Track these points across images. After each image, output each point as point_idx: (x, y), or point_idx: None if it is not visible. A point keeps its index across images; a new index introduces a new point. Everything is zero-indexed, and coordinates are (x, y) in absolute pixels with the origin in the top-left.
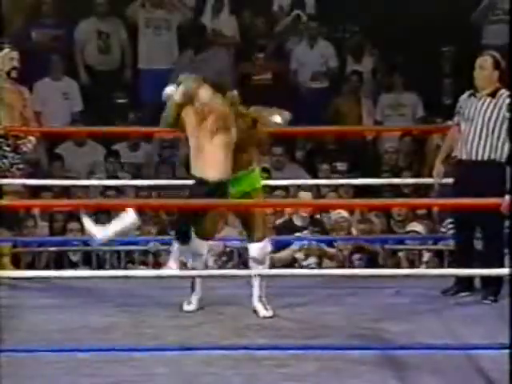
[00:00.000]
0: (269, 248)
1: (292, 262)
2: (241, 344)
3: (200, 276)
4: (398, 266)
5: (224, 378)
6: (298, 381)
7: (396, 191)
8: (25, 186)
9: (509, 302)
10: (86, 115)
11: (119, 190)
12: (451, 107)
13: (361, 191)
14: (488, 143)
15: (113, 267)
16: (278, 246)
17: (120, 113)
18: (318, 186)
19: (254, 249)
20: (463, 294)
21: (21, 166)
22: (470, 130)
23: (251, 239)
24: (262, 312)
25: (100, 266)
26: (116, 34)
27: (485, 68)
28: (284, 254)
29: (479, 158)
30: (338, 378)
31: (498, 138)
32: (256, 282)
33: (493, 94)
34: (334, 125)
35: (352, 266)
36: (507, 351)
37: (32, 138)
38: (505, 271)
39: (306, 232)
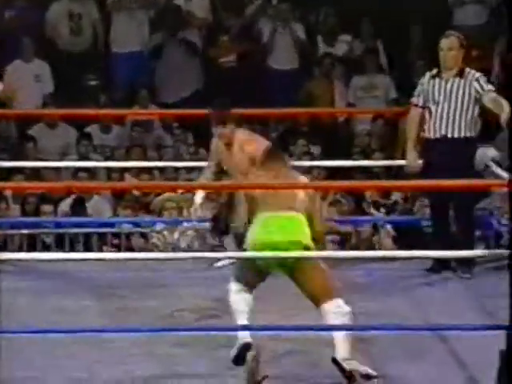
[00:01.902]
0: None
1: None
2: (215, 325)
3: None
4: (370, 248)
5: (197, 359)
6: (270, 362)
7: (367, 173)
8: None
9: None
10: (58, 97)
11: (91, 172)
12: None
13: (333, 173)
14: (463, 122)
15: (86, 250)
16: None
17: (92, 95)
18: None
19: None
20: (445, 272)
21: None
22: (443, 111)
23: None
24: None
25: (73, 249)
26: (88, 15)
27: (452, 49)
28: None
29: (455, 135)
30: (311, 359)
31: (472, 116)
32: None
33: (460, 74)
34: (307, 107)
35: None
36: (479, 332)
37: None
38: (477, 253)
39: None
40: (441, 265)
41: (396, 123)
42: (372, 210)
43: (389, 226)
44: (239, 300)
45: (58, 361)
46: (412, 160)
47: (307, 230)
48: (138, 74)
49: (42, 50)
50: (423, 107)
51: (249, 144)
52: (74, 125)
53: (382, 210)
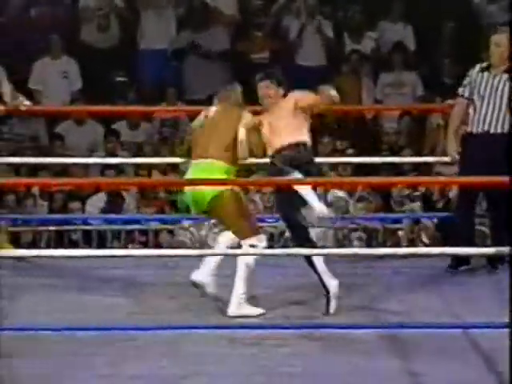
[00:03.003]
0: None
1: None
2: (241, 323)
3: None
4: (397, 244)
5: (223, 357)
6: (299, 360)
7: (395, 170)
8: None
9: (509, 282)
10: (86, 94)
11: (119, 169)
12: (451, 86)
13: (360, 170)
14: (506, 118)
15: (113, 246)
16: None
17: (120, 91)
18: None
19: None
20: (462, 268)
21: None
22: (488, 106)
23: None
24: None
25: (101, 245)
26: (115, 12)
27: (500, 45)
28: None
29: (498, 131)
30: (337, 357)
31: None
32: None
33: (508, 71)
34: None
35: (351, 245)
36: (505, 330)
37: (22, 98)
38: (505, 250)
39: None
40: (460, 261)
41: (423, 120)
42: (408, 204)
43: (427, 220)
44: None
45: (83, 358)
46: (452, 150)
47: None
48: (165, 71)
49: (70, 47)
50: (468, 99)
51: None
52: (102, 121)
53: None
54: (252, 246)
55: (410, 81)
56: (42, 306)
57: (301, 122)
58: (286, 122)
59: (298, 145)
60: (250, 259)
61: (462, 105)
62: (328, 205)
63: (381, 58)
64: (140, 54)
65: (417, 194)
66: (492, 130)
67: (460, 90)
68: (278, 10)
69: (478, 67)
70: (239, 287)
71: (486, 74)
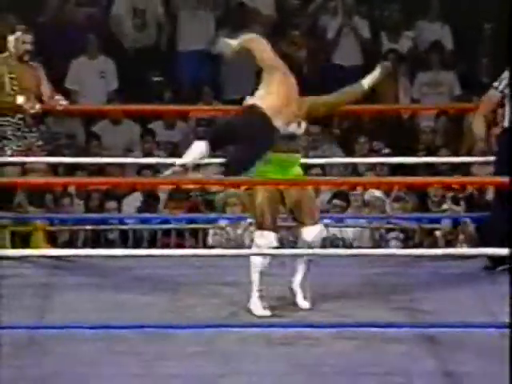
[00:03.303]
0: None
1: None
2: (277, 322)
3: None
4: (434, 245)
5: (259, 356)
6: (334, 359)
7: (432, 170)
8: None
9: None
10: (122, 94)
11: (155, 169)
12: (488, 86)
13: (397, 170)
14: None
15: (150, 246)
16: None
17: (156, 91)
18: (355, 165)
19: (309, 233)
20: (499, 268)
21: (40, 143)
22: None
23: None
24: (300, 301)
25: (137, 245)
26: (152, 11)
27: None
28: None
29: None
30: (375, 357)
31: None
32: (301, 266)
33: None
34: (371, 104)
35: (387, 245)
36: None
37: (60, 97)
38: None
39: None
40: (497, 261)
41: (460, 120)
42: (450, 205)
43: (468, 220)
44: None
45: (117, 357)
46: (479, 128)
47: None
48: (202, 71)
49: (107, 47)
50: (502, 92)
51: None
52: (138, 121)
53: (462, 203)
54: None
55: (447, 80)
56: (77, 305)
57: None
58: None
59: None
60: (255, 258)
61: (495, 97)
62: (365, 204)
63: (418, 57)
64: (177, 55)
65: (461, 195)
66: None
67: (496, 82)
68: (315, 10)
69: None
70: (252, 285)
71: None
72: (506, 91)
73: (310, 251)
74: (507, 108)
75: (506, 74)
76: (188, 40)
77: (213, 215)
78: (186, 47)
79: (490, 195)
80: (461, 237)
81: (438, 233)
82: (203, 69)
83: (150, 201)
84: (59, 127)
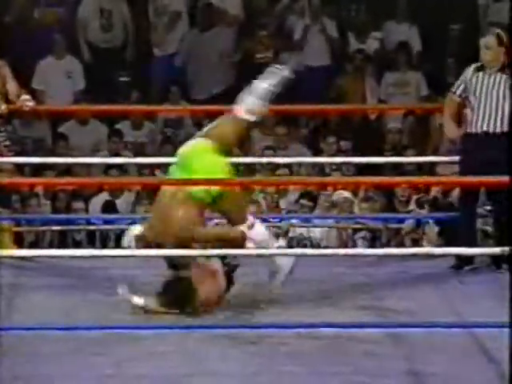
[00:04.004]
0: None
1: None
2: (243, 322)
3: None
4: (401, 244)
5: (228, 356)
6: (299, 359)
7: (399, 170)
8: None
9: (509, 280)
10: (89, 94)
11: (122, 169)
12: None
13: (364, 170)
14: (505, 117)
15: (117, 246)
16: None
17: (123, 91)
18: (322, 165)
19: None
20: (466, 268)
21: (7, 143)
22: (486, 105)
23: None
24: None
25: (104, 245)
26: (118, 12)
27: (490, 47)
28: None
29: (497, 130)
30: (341, 356)
31: None
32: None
33: (502, 69)
34: (338, 104)
35: (355, 245)
36: (508, 329)
37: (26, 97)
38: (506, 249)
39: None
40: (463, 261)
41: (427, 120)
42: (415, 208)
43: (432, 221)
44: None
45: (87, 357)
46: (453, 132)
47: None
48: (169, 71)
49: (74, 47)
50: (460, 96)
51: None
52: (105, 121)
53: (426, 206)
54: None
55: (414, 80)
56: (45, 306)
57: None
58: None
59: None
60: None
61: (454, 99)
62: (333, 205)
63: (385, 57)
64: (144, 54)
65: (426, 198)
66: (491, 130)
67: (453, 87)
68: (283, 10)
69: (472, 67)
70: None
71: (481, 73)
72: (464, 96)
73: (281, 251)
74: (469, 113)
75: (461, 79)
76: (155, 40)
77: None
78: (154, 47)
79: (453, 198)
80: (424, 236)
81: (402, 232)
82: (170, 68)
83: (113, 202)
84: (26, 128)
